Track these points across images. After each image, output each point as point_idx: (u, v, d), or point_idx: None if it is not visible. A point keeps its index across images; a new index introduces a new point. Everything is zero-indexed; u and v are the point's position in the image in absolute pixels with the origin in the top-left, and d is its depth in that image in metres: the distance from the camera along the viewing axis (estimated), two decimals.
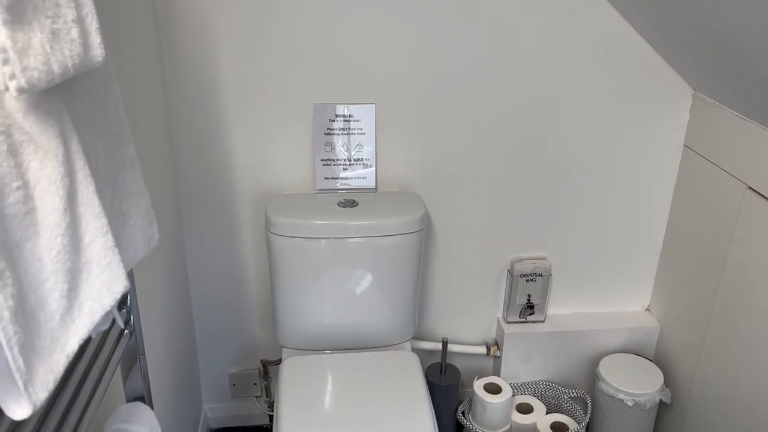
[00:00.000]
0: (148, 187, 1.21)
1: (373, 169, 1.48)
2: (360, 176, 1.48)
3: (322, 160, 1.46)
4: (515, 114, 1.46)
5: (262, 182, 1.48)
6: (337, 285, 1.39)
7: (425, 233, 1.47)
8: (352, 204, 1.40)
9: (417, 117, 1.45)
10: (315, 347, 1.46)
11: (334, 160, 1.46)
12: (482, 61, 1.40)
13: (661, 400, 1.55)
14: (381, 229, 1.35)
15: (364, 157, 1.47)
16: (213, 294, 1.59)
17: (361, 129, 1.45)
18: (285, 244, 1.35)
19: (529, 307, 1.63)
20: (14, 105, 0.48)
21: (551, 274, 1.62)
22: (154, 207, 1.25)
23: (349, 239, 1.35)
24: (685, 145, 1.52)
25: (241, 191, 1.48)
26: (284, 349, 1.48)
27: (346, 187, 1.48)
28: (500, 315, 1.68)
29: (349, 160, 1.46)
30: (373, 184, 1.48)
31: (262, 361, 1.66)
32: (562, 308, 1.68)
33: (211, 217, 1.50)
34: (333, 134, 1.44)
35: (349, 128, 1.44)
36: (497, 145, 1.49)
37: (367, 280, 1.39)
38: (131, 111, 1.12)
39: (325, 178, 1.47)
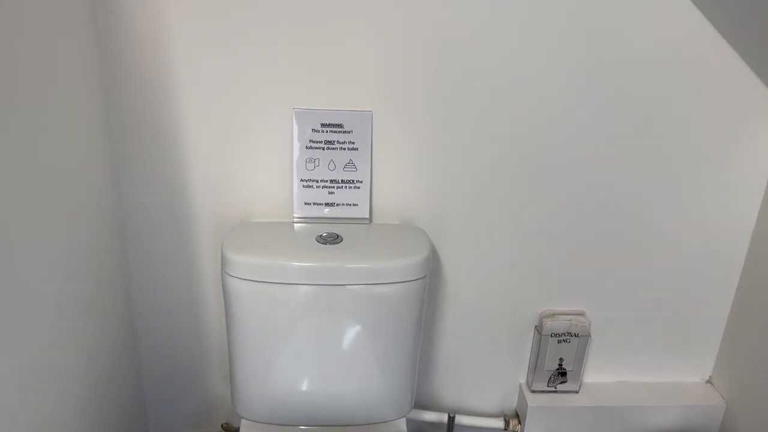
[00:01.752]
0: (74, 212, 0.90)
1: (367, 193, 1.15)
2: (350, 202, 1.16)
3: (302, 180, 1.14)
4: (552, 130, 1.13)
5: (226, 206, 1.16)
6: (314, 344, 1.07)
7: (429, 279, 1.14)
8: (335, 239, 1.07)
9: (425, 129, 1.12)
10: (283, 421, 1.13)
11: (317, 181, 1.14)
12: (512, 60, 1.08)
13: None
14: (372, 275, 1.02)
15: (356, 179, 1.15)
16: (165, 343, 1.27)
17: (354, 142, 1.13)
18: (245, 289, 1.03)
19: (561, 373, 1.29)
20: None
21: (590, 335, 1.28)
22: (82, 238, 0.94)
23: (329, 287, 1.03)
24: None
25: (201, 217, 1.17)
26: (243, 422, 1.16)
27: (332, 216, 1.16)
28: (523, 381, 1.34)
29: (337, 182, 1.15)
30: (366, 214, 1.16)
31: (223, 426, 1.33)
32: (602, 376, 1.34)
33: (164, 249, 1.19)
34: (317, 148, 1.13)
35: (339, 141, 1.13)
36: (527, 169, 1.16)
37: (352, 339, 1.07)
38: (43, 113, 0.81)
39: (306, 204, 1.15)
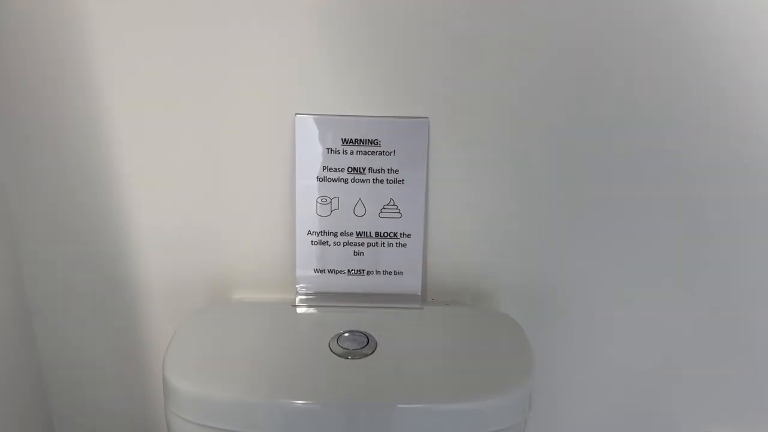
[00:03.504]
0: None
1: (419, 254, 0.69)
2: (390, 269, 0.69)
3: (310, 232, 0.68)
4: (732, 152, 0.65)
5: (191, 274, 0.71)
6: None
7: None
8: (363, 347, 0.61)
9: (519, 147, 0.65)
10: None
11: (335, 234, 0.68)
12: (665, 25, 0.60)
13: None
14: (431, 425, 0.56)
15: (400, 230, 0.68)
16: None
17: (397, 170, 0.67)
18: None
19: None
20: None
21: None
22: None
23: None
24: None
25: (151, 293, 0.72)
26: None
27: (361, 290, 0.70)
28: None
29: (369, 235, 0.69)
30: (416, 288, 0.70)
31: None
32: None
33: (96, 339, 0.75)
34: (336, 180, 0.67)
35: (372, 168, 0.66)
36: (681, 220, 0.68)
37: None
38: None
39: (316, 271, 0.69)
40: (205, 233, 0.70)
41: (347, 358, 0.59)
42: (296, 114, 0.64)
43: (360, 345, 0.61)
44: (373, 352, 0.60)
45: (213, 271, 0.71)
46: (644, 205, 0.68)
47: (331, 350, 0.60)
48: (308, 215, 0.68)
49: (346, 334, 0.62)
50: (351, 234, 0.68)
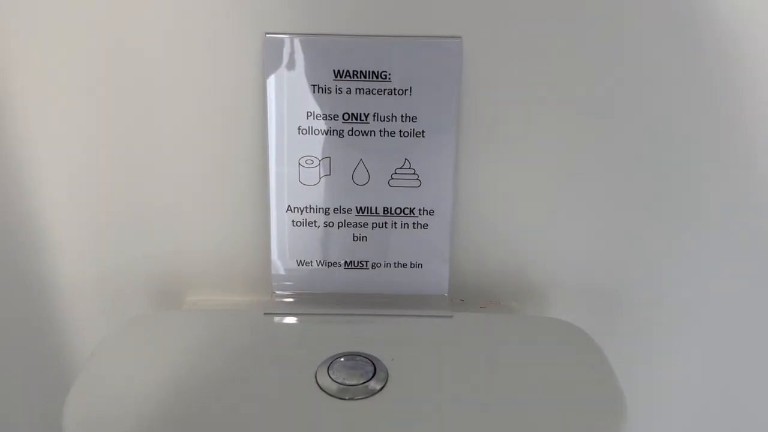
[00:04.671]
0: None
1: (445, 238, 0.48)
2: (404, 260, 0.49)
3: (291, 208, 0.48)
4: None
5: (127, 266, 0.51)
6: None
7: None
8: (367, 382, 0.40)
9: (594, 85, 0.45)
10: None
11: (326, 211, 0.48)
12: None
13: None
14: None
15: (417, 205, 0.48)
16: None
17: (415, 118, 0.46)
18: None
19: None
20: None
21: None
22: None
23: None
24: None
25: (75, 291, 0.52)
26: None
27: (361, 290, 0.49)
28: None
29: (375, 211, 0.48)
30: (442, 286, 0.49)
31: None
32: None
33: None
34: (327, 132, 0.46)
35: (380, 114, 0.46)
36: None
37: None
38: None
39: (300, 264, 0.49)
40: (145, 211, 0.49)
41: (344, 398, 0.39)
42: (266, 34, 0.43)
43: (363, 377, 0.40)
44: (382, 388, 0.40)
45: (157, 263, 0.51)
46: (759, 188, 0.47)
47: (320, 386, 0.40)
48: (287, 183, 0.47)
49: (343, 359, 0.42)
50: (349, 210, 0.48)
